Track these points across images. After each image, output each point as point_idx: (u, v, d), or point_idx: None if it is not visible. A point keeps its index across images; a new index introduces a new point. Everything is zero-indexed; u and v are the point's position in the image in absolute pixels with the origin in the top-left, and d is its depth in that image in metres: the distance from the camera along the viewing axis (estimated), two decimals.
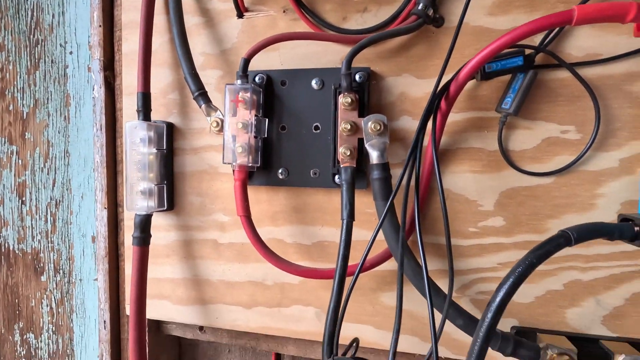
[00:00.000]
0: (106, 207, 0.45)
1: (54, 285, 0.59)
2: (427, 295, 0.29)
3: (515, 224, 0.35)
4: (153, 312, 0.44)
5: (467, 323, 0.32)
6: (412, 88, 0.36)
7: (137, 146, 0.39)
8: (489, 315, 0.27)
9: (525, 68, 0.33)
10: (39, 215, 0.59)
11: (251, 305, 0.42)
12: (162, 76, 0.42)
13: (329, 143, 0.37)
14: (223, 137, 0.36)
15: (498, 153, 0.35)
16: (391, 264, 0.38)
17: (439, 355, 0.38)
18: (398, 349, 0.38)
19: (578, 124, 0.33)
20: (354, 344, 0.32)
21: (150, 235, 0.41)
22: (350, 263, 0.34)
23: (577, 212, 0.34)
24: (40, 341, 0.60)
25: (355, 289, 0.39)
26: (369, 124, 0.33)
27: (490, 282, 0.36)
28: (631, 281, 0.33)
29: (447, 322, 0.36)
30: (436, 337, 0.29)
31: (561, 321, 0.35)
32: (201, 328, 0.46)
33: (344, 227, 0.33)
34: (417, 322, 0.38)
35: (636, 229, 0.28)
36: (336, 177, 0.37)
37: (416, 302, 0.38)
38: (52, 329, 0.59)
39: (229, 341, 0.45)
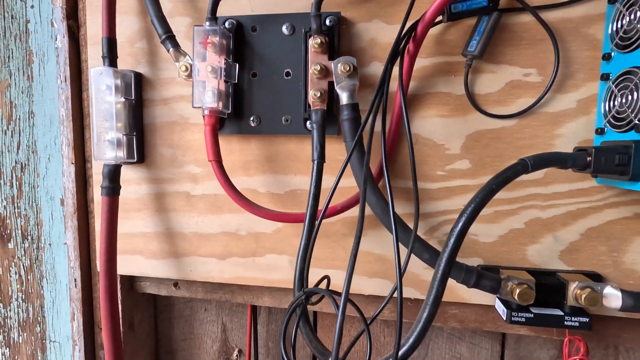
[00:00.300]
0: (73, 162, 0.44)
1: (22, 252, 0.57)
2: (392, 224, 0.30)
3: (480, 166, 0.36)
4: (125, 267, 0.44)
5: (433, 257, 0.33)
6: (382, 34, 0.37)
7: (104, 94, 0.38)
8: (452, 239, 0.28)
9: (490, 10, 0.33)
10: (4, 180, 0.57)
11: (225, 256, 0.42)
12: (128, 24, 0.41)
13: (300, 89, 0.37)
14: (192, 81, 0.36)
15: (464, 97, 0.36)
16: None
17: (408, 296, 0.39)
18: (369, 292, 0.40)
19: (539, 66, 0.34)
20: (325, 280, 0.33)
21: (119, 186, 0.40)
22: (321, 208, 0.35)
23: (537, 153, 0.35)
24: (10, 310, 0.58)
25: (327, 236, 0.40)
26: (339, 66, 0.34)
27: None
28: (586, 217, 0.35)
29: (415, 263, 0.38)
30: (401, 270, 0.30)
31: (522, 258, 0.36)
32: (176, 284, 0.46)
33: (315, 167, 0.34)
34: (388, 266, 0.39)
35: (588, 158, 0.29)
36: (308, 123, 0.38)
37: (386, 247, 0.39)
38: (22, 297, 0.58)
39: (204, 295, 0.45)
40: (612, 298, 0.31)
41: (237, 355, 0.51)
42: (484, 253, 0.37)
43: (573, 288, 0.33)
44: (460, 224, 0.28)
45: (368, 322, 0.32)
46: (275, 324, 0.50)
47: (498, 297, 0.36)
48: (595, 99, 0.34)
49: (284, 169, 0.40)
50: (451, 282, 0.38)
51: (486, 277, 0.33)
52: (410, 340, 0.28)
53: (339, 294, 0.32)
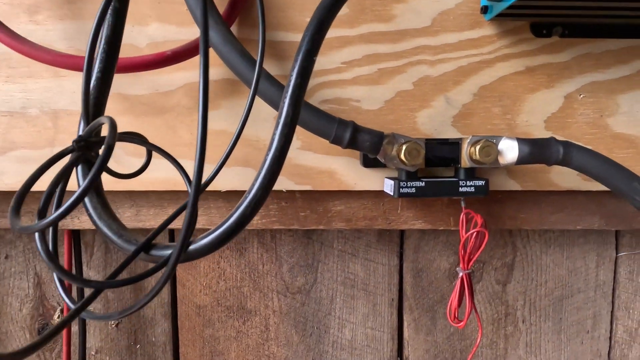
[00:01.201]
0: None
1: None
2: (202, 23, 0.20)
3: (360, 11, 0.29)
4: None
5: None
6: None
7: None
8: (307, 37, 0.19)
9: None
10: None
11: (6, 149, 0.28)
12: None
13: None
14: None
15: None
16: (216, 71, 0.28)
17: (278, 187, 0.30)
18: (228, 187, 0.30)
19: None
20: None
21: None
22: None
23: None
24: None
25: (164, 111, 0.29)
26: None
27: (335, 87, 0.29)
28: (478, 73, 0.30)
29: None
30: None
31: (412, 127, 0.30)
32: None
33: None
34: (251, 149, 0.29)
35: None
36: None
37: (253, 123, 0.29)
38: None
39: None
40: (508, 151, 0.26)
41: (59, 317, 0.36)
42: (369, 124, 0.29)
43: (467, 144, 0.27)
44: (316, 17, 0.19)
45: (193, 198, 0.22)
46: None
47: (387, 177, 0.29)
48: None
49: (92, 13, 0.28)
50: (330, 165, 0.30)
51: (364, 130, 0.25)
52: (253, 192, 0.19)
53: (152, 146, 0.21)
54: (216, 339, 0.37)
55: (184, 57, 0.26)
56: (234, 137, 0.23)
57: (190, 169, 0.29)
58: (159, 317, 0.37)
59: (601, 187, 0.31)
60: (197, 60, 0.28)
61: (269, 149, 0.19)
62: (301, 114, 0.24)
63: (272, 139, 0.19)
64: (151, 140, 0.29)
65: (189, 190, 0.20)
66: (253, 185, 0.19)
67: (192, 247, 0.19)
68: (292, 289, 0.38)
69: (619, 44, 0.30)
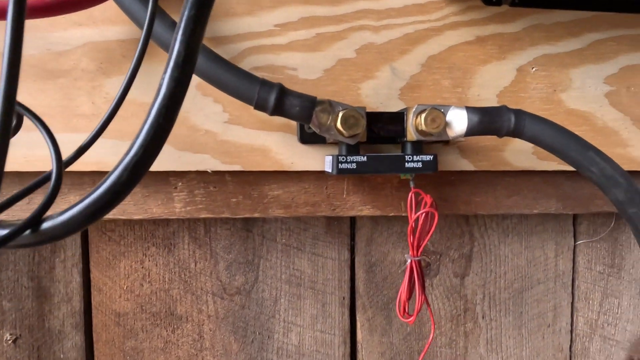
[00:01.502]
0: None
1: None
2: None
3: None
4: None
5: (209, 59, 0.21)
6: None
7: None
8: None
9: None
10: None
11: None
12: None
13: None
14: None
15: None
16: (123, 29, 0.24)
17: (202, 167, 0.26)
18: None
19: None
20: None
21: None
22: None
23: None
24: None
25: (62, 75, 0.24)
26: None
27: (267, 53, 0.26)
28: (426, 41, 0.27)
29: (208, 114, 0.25)
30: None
31: (356, 100, 0.27)
32: None
33: None
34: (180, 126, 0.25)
35: None
36: None
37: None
38: None
39: None
40: (457, 121, 0.23)
41: None
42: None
43: (412, 114, 0.24)
44: None
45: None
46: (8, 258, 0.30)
47: (327, 155, 0.26)
48: None
49: None
50: (263, 142, 0.26)
51: (293, 94, 0.22)
52: (132, 152, 0.15)
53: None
54: (140, 351, 0.32)
55: (75, 6, 0.21)
56: (116, 98, 0.18)
57: (94, 148, 0.25)
58: (68, 329, 0.31)
59: (557, 167, 0.29)
60: (101, 16, 0.24)
61: (155, 97, 0.15)
62: (217, 73, 0.21)
63: (160, 85, 0.15)
64: (42, 111, 0.24)
65: (53, 163, 0.16)
66: (133, 143, 0.15)
67: (46, 224, 0.14)
68: (230, 290, 0.33)
69: (569, 16, 0.29)
